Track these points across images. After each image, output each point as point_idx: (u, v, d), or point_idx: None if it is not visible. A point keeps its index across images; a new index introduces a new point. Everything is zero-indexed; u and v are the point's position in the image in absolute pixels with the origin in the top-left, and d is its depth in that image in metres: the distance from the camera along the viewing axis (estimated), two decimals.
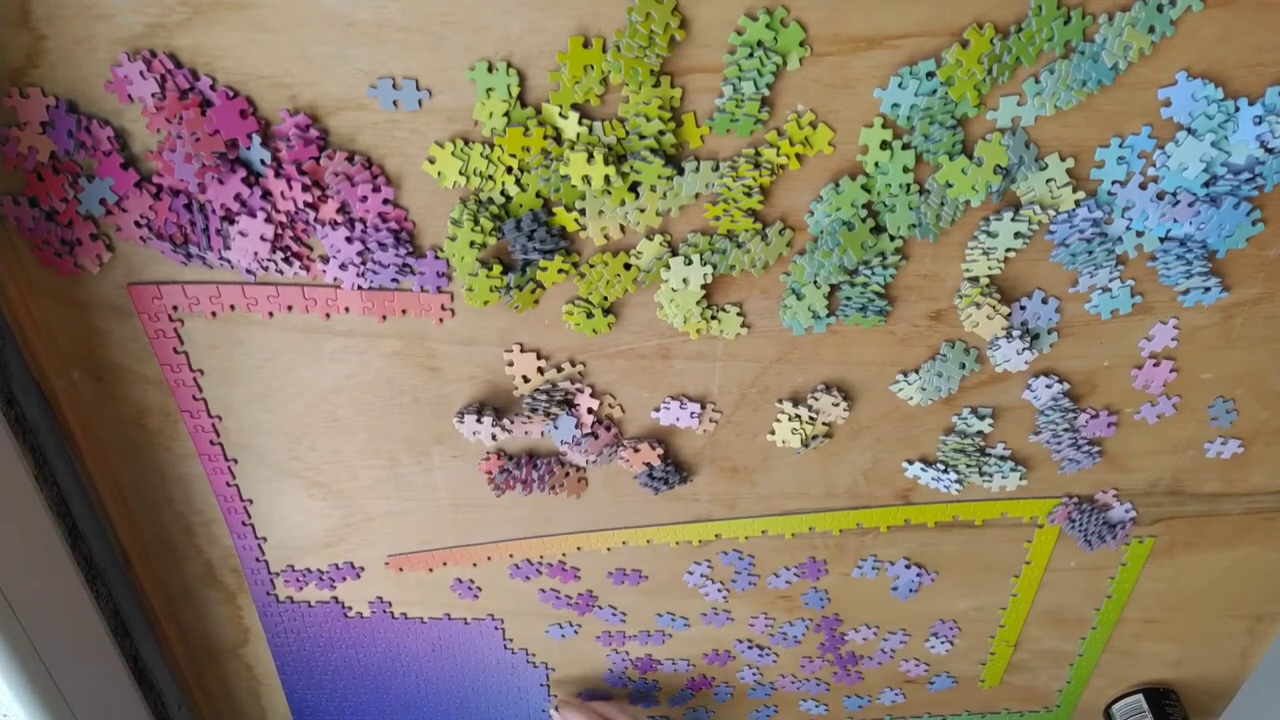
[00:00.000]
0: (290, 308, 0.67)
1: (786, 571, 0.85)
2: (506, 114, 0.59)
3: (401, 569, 0.81)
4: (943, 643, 0.92)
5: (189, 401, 0.71)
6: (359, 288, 0.65)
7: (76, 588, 0.75)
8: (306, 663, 0.90)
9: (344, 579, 0.83)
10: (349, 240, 0.63)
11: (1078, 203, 0.63)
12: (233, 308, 0.66)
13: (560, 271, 0.65)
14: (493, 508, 0.79)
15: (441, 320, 0.68)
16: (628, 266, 0.65)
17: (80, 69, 0.57)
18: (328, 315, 0.67)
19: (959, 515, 0.81)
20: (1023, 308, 0.68)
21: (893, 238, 0.64)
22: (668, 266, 0.65)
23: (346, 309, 0.67)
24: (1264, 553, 0.86)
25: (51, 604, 0.72)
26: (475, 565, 0.82)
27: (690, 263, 0.65)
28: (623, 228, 0.64)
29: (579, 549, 0.81)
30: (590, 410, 0.73)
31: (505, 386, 0.72)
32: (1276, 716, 0.92)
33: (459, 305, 0.67)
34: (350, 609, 0.85)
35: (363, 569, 0.82)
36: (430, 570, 0.82)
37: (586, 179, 0.60)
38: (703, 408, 0.73)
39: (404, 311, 0.67)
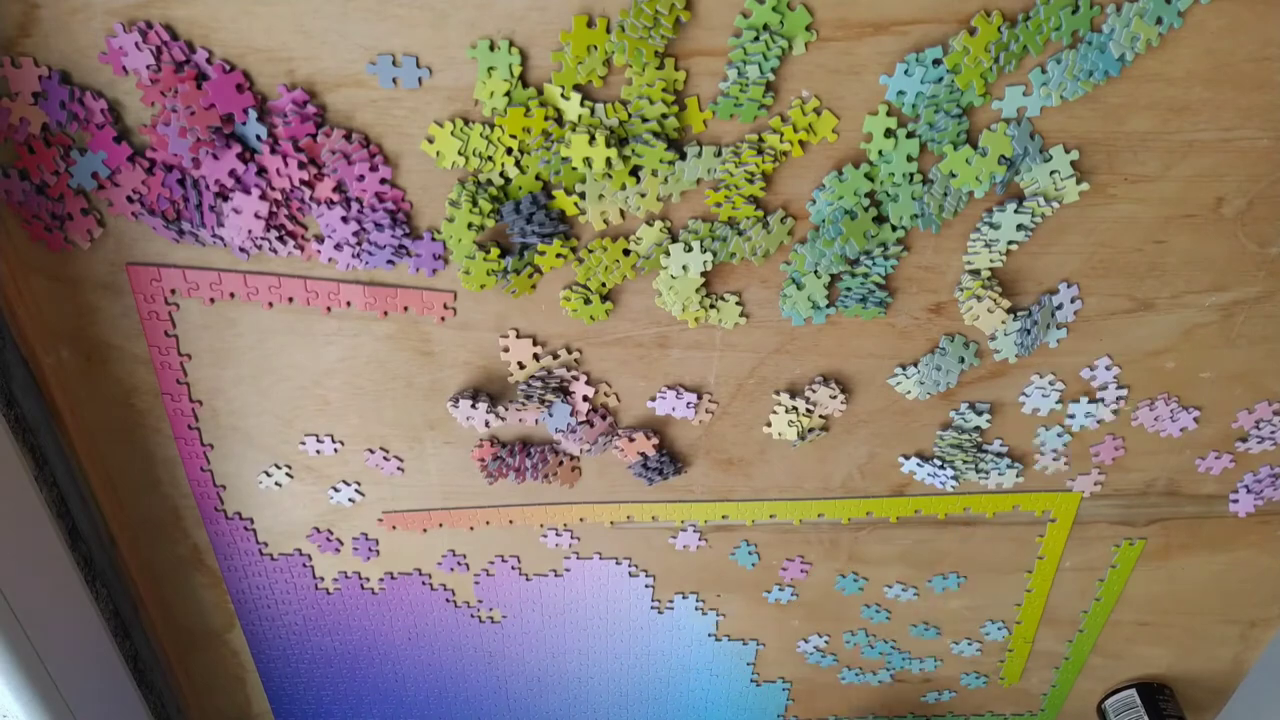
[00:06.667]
0: (291, 299, 0.66)
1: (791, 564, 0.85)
2: (508, 94, 0.58)
3: (395, 527, 0.80)
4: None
5: (172, 385, 0.70)
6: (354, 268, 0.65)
7: (76, 588, 0.75)
8: (283, 651, 0.89)
9: (327, 552, 0.82)
10: (345, 220, 0.62)
11: None
12: (232, 295, 0.66)
13: (558, 256, 0.64)
14: (484, 495, 0.78)
15: (444, 319, 0.67)
16: (627, 252, 0.64)
17: (74, 39, 0.56)
18: (329, 309, 0.66)
19: (970, 507, 0.80)
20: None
21: (895, 228, 0.64)
22: (667, 253, 0.64)
23: (348, 303, 0.66)
24: (1259, 557, 0.86)
25: (51, 604, 0.71)
26: (472, 529, 0.80)
27: (690, 249, 0.64)
28: (622, 212, 0.63)
29: (581, 520, 0.80)
30: (585, 398, 0.72)
31: (500, 373, 0.71)
32: (1272, 718, 0.92)
33: (456, 290, 0.66)
34: (322, 579, 0.84)
35: (342, 543, 0.81)
36: (424, 531, 0.81)
37: (587, 161, 0.60)
38: (699, 398, 0.72)
39: (406, 309, 0.67)
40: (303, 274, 0.65)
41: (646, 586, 0.86)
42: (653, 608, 0.88)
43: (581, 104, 0.58)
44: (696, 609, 0.88)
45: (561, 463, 0.75)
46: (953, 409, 0.74)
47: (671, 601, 0.88)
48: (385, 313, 0.67)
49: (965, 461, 0.76)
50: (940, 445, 0.76)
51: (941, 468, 0.76)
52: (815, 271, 0.65)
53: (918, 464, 0.77)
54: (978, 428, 0.74)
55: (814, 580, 0.86)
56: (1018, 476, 0.77)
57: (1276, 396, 0.74)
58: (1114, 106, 0.59)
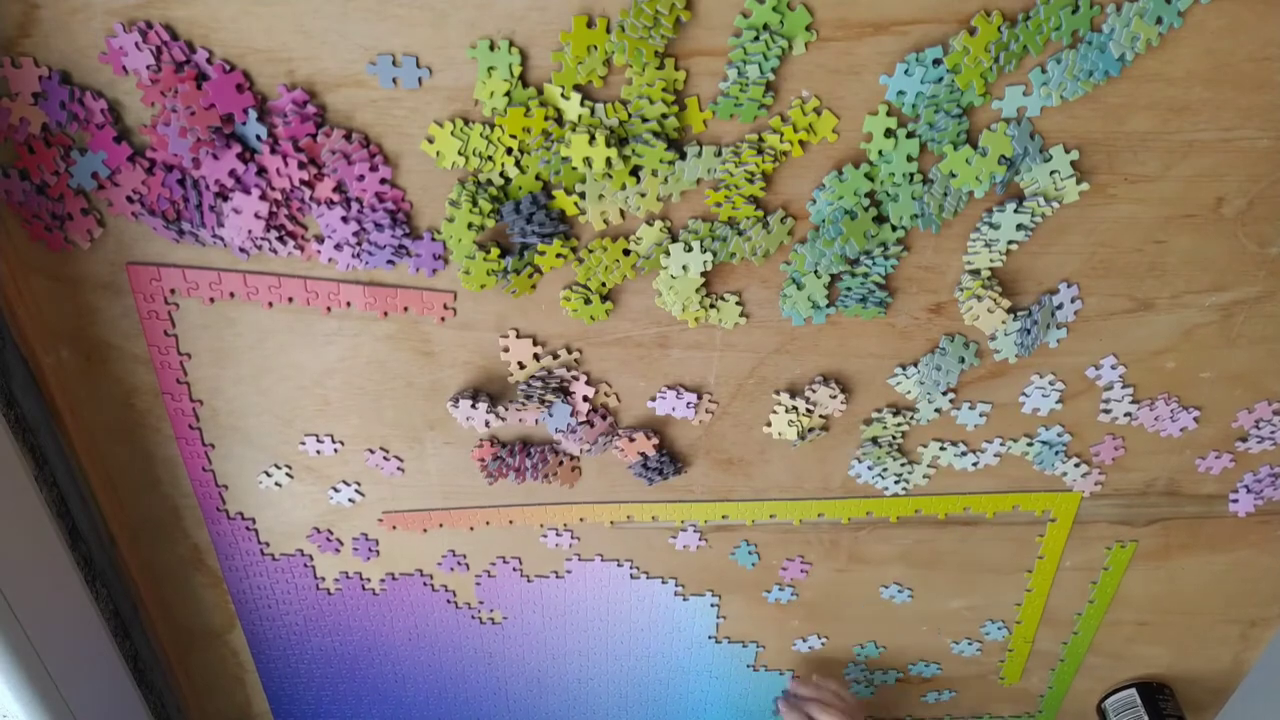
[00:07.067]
0: (291, 299, 0.66)
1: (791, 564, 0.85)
2: (508, 94, 0.58)
3: (395, 527, 0.80)
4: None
5: (172, 384, 0.70)
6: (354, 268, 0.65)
7: (76, 588, 0.75)
8: (283, 651, 0.89)
9: (327, 552, 0.82)
10: (345, 220, 0.62)
11: None
12: (232, 295, 0.66)
13: (558, 256, 0.64)
14: (484, 495, 0.78)
15: (444, 319, 0.67)
16: (627, 252, 0.64)
17: (74, 39, 0.56)
18: (329, 309, 0.66)
19: (970, 507, 0.80)
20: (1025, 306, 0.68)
21: (895, 228, 0.64)
22: (667, 253, 0.64)
23: (348, 303, 0.66)
24: (1259, 557, 0.86)
25: (51, 604, 0.71)
26: (472, 529, 0.80)
27: (690, 249, 0.64)
28: (622, 212, 0.63)
29: (581, 520, 0.80)
30: (586, 398, 0.72)
31: (500, 373, 0.71)
32: (1272, 717, 0.92)
33: (456, 291, 0.66)
34: (323, 580, 0.84)
35: (342, 544, 0.81)
36: (424, 531, 0.80)
37: (587, 161, 0.60)
38: (699, 398, 0.72)
39: (406, 309, 0.67)
40: (303, 274, 0.65)
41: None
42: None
43: (581, 104, 0.58)
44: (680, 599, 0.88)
45: (561, 463, 0.75)
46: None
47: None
48: (385, 313, 0.67)
49: (893, 458, 0.76)
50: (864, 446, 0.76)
51: (871, 468, 0.77)
52: (815, 271, 0.65)
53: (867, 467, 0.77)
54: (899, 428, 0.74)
55: (814, 580, 0.86)
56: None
57: (1276, 396, 0.74)
58: (1114, 106, 0.60)
